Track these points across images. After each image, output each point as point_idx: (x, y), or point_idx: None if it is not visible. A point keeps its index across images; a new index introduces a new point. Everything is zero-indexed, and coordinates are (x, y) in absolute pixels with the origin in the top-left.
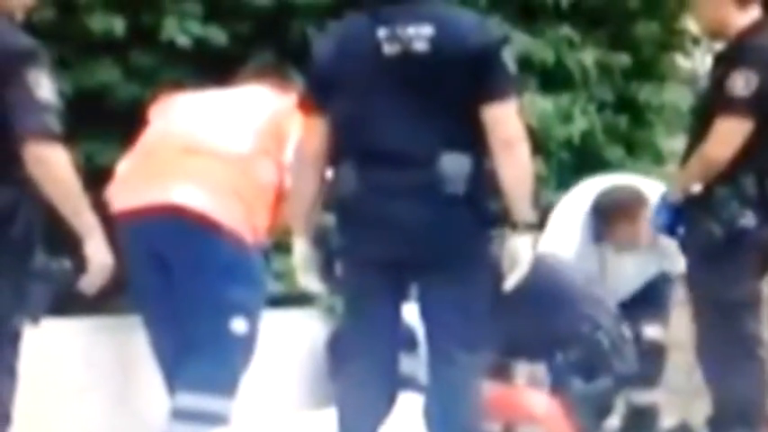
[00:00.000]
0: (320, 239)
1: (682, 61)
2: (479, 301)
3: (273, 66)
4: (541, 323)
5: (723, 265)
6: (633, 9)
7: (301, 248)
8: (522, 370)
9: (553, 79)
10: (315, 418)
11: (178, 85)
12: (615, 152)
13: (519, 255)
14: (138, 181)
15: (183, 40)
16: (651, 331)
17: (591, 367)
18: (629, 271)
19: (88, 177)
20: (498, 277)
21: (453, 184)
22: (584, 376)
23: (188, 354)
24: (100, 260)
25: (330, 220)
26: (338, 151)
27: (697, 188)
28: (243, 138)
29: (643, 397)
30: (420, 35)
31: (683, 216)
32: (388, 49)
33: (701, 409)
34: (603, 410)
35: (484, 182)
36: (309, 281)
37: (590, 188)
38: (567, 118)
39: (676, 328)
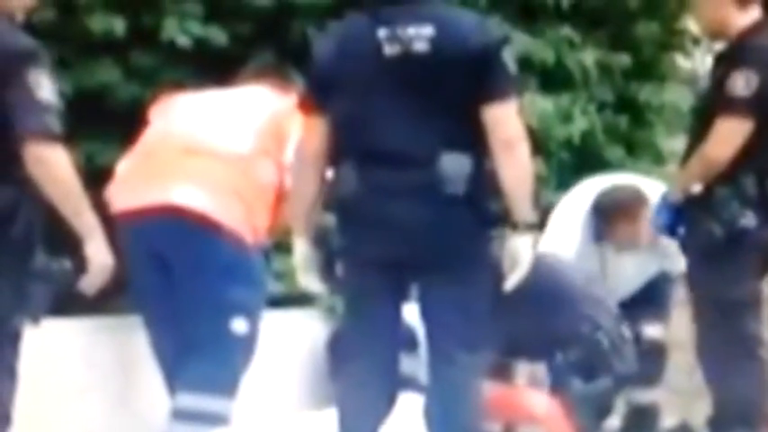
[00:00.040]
0: (320, 240)
1: (682, 61)
2: (480, 301)
3: (274, 66)
4: (542, 323)
5: (723, 265)
6: (633, 9)
7: (302, 249)
8: (523, 370)
9: (553, 79)
10: (315, 419)
11: (178, 85)
12: (615, 152)
13: (519, 255)
14: (139, 181)
15: (183, 41)
16: (652, 330)
17: (591, 367)
18: (629, 271)
19: (88, 177)
20: (499, 277)
21: (453, 185)
22: (583, 376)
23: (188, 354)
24: (100, 260)
25: (330, 220)
26: (338, 151)
27: (697, 188)
28: (243, 138)
29: (644, 396)
30: (420, 35)
31: (683, 216)
32: (389, 49)
33: (701, 410)
34: (603, 410)
35: (484, 182)
36: (310, 281)
37: (590, 188)
38: (567, 118)
39: (677, 328)
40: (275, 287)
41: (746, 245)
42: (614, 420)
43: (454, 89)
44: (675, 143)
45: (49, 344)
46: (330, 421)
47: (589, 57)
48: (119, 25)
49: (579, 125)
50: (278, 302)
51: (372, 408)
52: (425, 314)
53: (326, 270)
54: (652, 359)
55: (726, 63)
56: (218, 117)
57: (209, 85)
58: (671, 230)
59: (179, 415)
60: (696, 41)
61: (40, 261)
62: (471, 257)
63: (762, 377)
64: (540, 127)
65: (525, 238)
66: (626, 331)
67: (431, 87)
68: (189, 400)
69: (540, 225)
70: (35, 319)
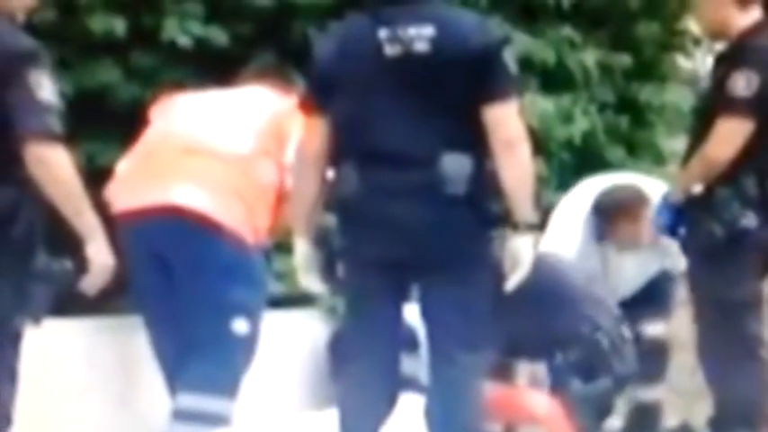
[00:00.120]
0: (321, 240)
1: (683, 62)
2: (480, 301)
3: (274, 66)
4: (542, 323)
5: (724, 265)
6: (634, 9)
7: (302, 249)
8: (524, 370)
9: (554, 80)
10: (316, 419)
11: (179, 85)
12: (616, 153)
13: (520, 255)
14: (139, 181)
15: (183, 41)
16: (653, 329)
17: (591, 367)
18: (630, 270)
19: (89, 178)
20: (499, 278)
21: (454, 185)
22: (583, 377)
23: (189, 354)
24: (101, 261)
25: (331, 220)
26: (339, 152)
27: (698, 189)
28: (244, 138)
29: (647, 394)
30: (421, 36)
31: (684, 216)
32: (390, 49)
33: (702, 410)
34: (603, 411)
35: (485, 182)
36: (311, 281)
37: (591, 187)
38: (567, 118)
39: (678, 329)
40: (276, 287)
41: (747, 245)
42: (615, 421)
43: (455, 89)
44: (676, 143)
45: (50, 344)
46: (331, 422)
47: (590, 57)
48: (119, 25)
49: (580, 125)
50: (279, 303)
51: (373, 408)
52: (426, 314)
53: (327, 270)
54: (654, 358)
55: (726, 63)
56: (218, 117)
57: (210, 86)
58: (672, 231)
59: (180, 415)
60: (697, 42)
61: (41, 261)
62: (472, 258)
63: (763, 377)
64: (540, 127)
65: (526, 239)
66: (626, 331)
67: (431, 88)
68: (190, 401)
69: (540, 225)
70: (36, 320)
